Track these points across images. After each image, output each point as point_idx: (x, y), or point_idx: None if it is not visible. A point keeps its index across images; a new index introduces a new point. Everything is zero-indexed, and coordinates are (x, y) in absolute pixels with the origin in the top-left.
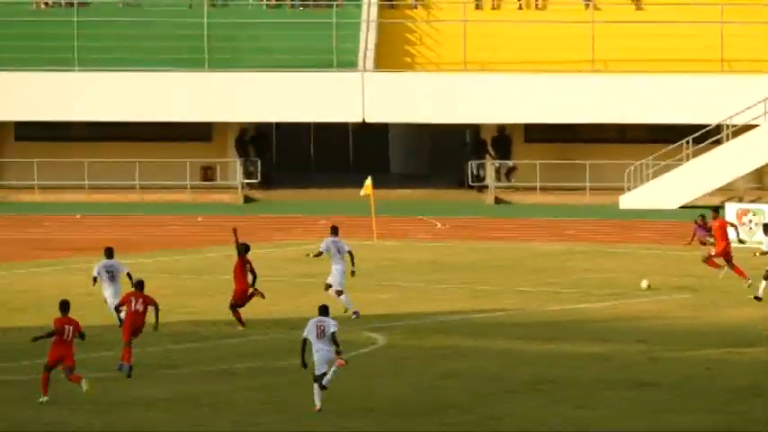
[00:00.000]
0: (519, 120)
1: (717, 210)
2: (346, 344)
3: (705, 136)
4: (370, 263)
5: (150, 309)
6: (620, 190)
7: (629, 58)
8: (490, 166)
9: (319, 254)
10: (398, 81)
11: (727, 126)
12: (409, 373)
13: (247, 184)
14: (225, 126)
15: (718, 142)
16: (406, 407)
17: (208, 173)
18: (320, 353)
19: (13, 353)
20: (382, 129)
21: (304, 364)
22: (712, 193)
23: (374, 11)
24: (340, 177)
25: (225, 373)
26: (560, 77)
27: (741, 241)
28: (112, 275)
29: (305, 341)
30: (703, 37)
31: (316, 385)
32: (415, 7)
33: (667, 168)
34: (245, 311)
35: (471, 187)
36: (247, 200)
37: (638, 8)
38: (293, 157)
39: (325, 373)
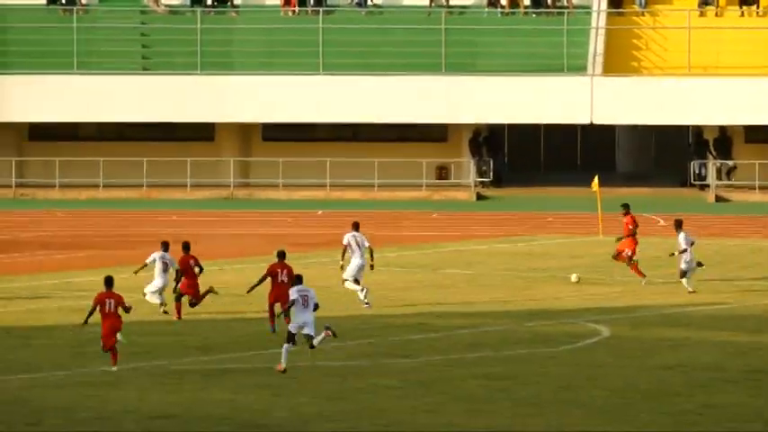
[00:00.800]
0: (740, 122)
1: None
2: (571, 336)
3: None
4: (595, 258)
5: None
6: None
7: None
8: (711, 165)
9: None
10: (625, 85)
11: None
12: (631, 363)
13: (480, 182)
14: (459, 127)
15: None
16: (629, 394)
17: (443, 172)
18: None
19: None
20: (609, 130)
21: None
22: None
23: (603, 17)
24: (568, 176)
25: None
26: None
27: None
28: (165, 266)
29: (293, 302)
30: None
31: (286, 345)
32: (643, 14)
33: None
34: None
35: (693, 186)
36: (479, 197)
37: None
38: (524, 157)
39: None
